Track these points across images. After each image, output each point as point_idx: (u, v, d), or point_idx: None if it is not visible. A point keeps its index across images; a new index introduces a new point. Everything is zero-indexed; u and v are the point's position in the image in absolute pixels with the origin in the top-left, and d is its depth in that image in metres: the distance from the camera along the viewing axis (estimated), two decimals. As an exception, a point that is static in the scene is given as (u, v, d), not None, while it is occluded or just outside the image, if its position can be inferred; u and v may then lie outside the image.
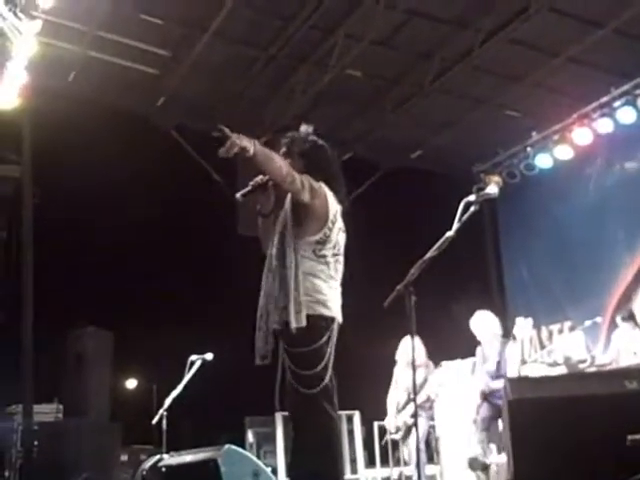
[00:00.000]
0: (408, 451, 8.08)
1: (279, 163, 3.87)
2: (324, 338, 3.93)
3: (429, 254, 4.42)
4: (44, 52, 8.20)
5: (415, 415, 7.08)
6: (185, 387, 7.27)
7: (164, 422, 7.12)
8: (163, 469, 5.80)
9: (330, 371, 3.95)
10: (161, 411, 7.10)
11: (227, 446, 5.14)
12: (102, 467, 7.22)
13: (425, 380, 8.05)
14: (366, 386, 9.46)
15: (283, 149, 4.22)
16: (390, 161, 12.05)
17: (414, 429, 7.87)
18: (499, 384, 7.46)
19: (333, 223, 4.07)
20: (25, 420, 8.04)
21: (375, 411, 9.53)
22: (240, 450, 5.40)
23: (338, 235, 4.13)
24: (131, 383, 19.30)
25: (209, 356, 7.28)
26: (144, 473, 6.02)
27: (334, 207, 4.10)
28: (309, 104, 10.44)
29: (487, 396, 7.60)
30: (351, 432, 9.70)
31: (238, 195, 4.10)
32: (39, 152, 9.03)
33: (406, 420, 8.08)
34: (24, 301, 8.34)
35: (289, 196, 4.04)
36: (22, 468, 8.00)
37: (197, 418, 8.49)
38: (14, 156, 9.83)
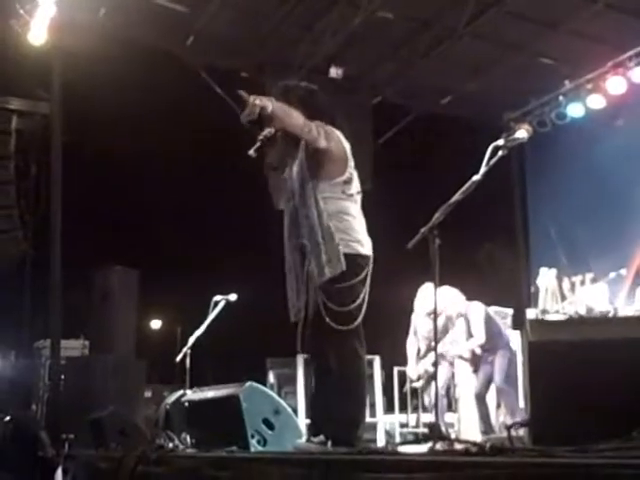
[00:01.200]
0: (429, 399, 8.12)
1: (295, 115, 3.93)
2: (361, 275, 4.00)
3: (455, 197, 4.39)
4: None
5: (436, 364, 7.12)
6: (208, 327, 7.36)
7: (187, 360, 7.24)
8: (186, 404, 5.90)
9: (364, 310, 3.98)
10: (185, 349, 7.21)
11: (249, 383, 5.21)
12: (127, 402, 7.36)
13: (446, 328, 8.04)
14: (386, 330, 9.49)
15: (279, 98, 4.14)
16: (420, 106, 11.92)
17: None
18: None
19: (351, 161, 4.13)
20: (52, 355, 8.19)
21: (395, 356, 9.58)
22: (261, 387, 5.47)
23: (354, 172, 4.16)
24: (156, 323, 19.57)
25: (233, 297, 7.34)
26: (167, 407, 6.13)
27: (348, 146, 4.16)
28: (339, 46, 10.31)
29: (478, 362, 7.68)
30: (370, 377, 9.74)
31: (251, 151, 4.08)
32: (68, 88, 9.02)
33: (427, 368, 8.09)
34: (52, 237, 8.43)
35: (302, 145, 4.08)
36: (49, 402, 8.19)
37: (219, 358, 8.62)
38: (43, 92, 9.84)
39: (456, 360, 7.99)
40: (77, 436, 7.32)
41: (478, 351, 7.72)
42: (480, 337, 7.70)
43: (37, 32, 9.01)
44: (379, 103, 11.95)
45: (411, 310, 8.50)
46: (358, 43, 10.28)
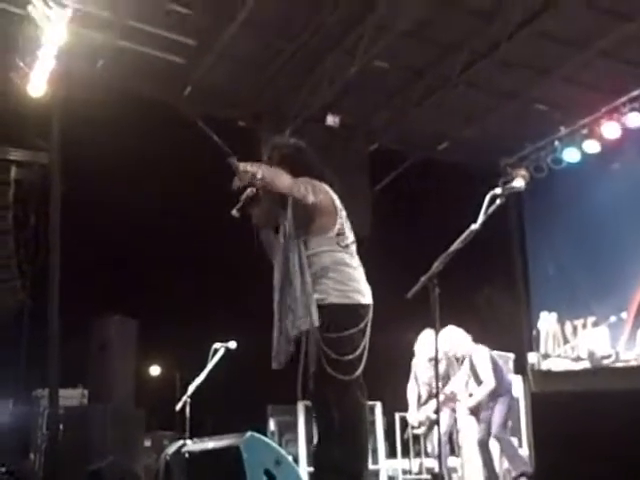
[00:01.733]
0: (432, 445, 8.04)
1: (284, 177, 4.01)
2: (361, 325, 4.06)
3: (454, 246, 4.42)
4: (73, 40, 8.28)
5: (437, 411, 7.07)
6: (208, 375, 7.33)
7: (187, 409, 7.18)
8: (186, 455, 5.85)
9: (364, 360, 3.99)
10: (184, 398, 7.16)
11: (249, 433, 5.18)
12: (126, 452, 7.29)
13: (447, 374, 8.00)
14: (388, 377, 9.46)
15: (268, 157, 4.37)
16: (416, 153, 12.03)
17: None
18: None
19: (342, 212, 4.22)
20: (51, 404, 8.14)
21: (396, 402, 9.53)
22: (262, 437, 5.43)
23: (347, 223, 4.25)
24: (155, 370, 19.47)
25: (232, 344, 7.32)
26: (167, 458, 6.07)
27: (337, 198, 4.24)
28: (336, 94, 10.43)
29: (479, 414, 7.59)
30: (372, 423, 9.68)
31: (234, 211, 4.14)
32: (67, 139, 9.11)
33: (429, 414, 8.03)
34: (51, 287, 8.44)
35: (290, 203, 4.17)
36: (47, 451, 8.11)
37: (220, 406, 8.55)
38: (43, 143, 9.93)
39: (458, 404, 7.92)
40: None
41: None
42: (490, 382, 7.55)
43: (36, 84, 9.12)
44: (376, 150, 12.06)
45: (411, 356, 8.50)
46: (354, 92, 10.41)
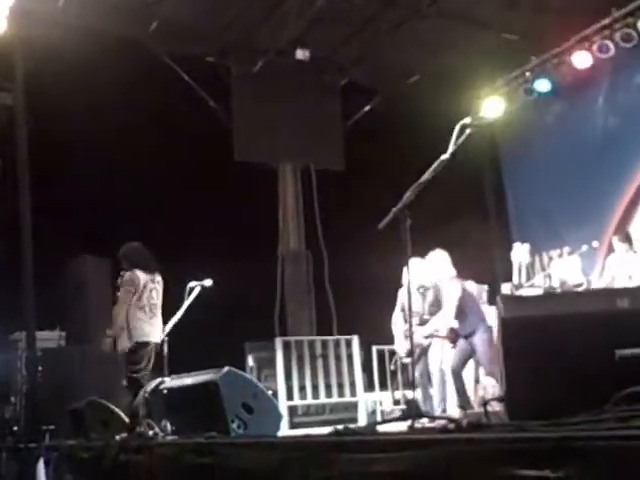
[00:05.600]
0: (420, 373, 7.83)
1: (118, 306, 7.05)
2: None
3: (424, 177, 4.44)
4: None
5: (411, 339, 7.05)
6: (185, 314, 7.36)
7: (165, 347, 7.24)
8: (164, 391, 5.92)
9: None
10: (162, 336, 7.20)
11: (227, 368, 5.24)
12: (105, 391, 7.34)
13: (437, 300, 7.76)
14: (364, 310, 9.56)
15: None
16: (387, 87, 11.94)
17: (428, 352, 7.79)
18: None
19: (144, 288, 7.00)
20: (29, 347, 8.15)
21: (373, 335, 9.65)
22: (240, 372, 5.50)
23: (152, 292, 7.05)
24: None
25: (208, 282, 7.35)
26: (146, 396, 6.14)
27: (144, 279, 7.02)
28: (304, 28, 10.28)
29: (455, 338, 7.49)
30: (350, 356, 9.85)
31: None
32: (31, 79, 8.90)
33: (421, 342, 7.77)
34: (23, 229, 8.35)
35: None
36: (27, 393, 8.15)
37: (197, 344, 8.59)
38: (6, 83, 9.69)
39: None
40: (57, 427, 7.31)
41: (455, 325, 7.50)
42: (450, 316, 7.46)
43: (-3, 21, 8.88)
44: (347, 84, 11.96)
45: (389, 287, 8.33)
46: (323, 24, 10.26)
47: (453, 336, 7.49)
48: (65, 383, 7.90)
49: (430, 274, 7.67)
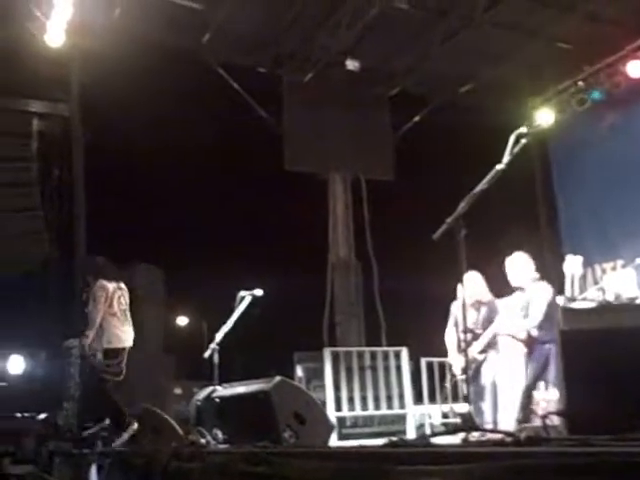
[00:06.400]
0: (474, 389, 7.63)
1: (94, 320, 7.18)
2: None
3: (479, 187, 4.39)
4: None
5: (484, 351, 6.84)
6: (235, 323, 7.37)
7: (215, 357, 7.25)
8: (216, 400, 5.94)
9: None
10: (212, 345, 7.21)
11: (278, 377, 5.23)
12: (158, 399, 7.40)
13: (490, 318, 7.64)
14: (413, 322, 9.50)
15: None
16: (439, 95, 11.87)
17: (482, 366, 7.60)
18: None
19: (113, 295, 7.13)
20: (82, 354, 8.25)
21: (422, 347, 9.59)
22: (291, 381, 5.49)
23: (121, 298, 7.20)
24: (182, 320, 19.65)
25: (258, 292, 7.35)
26: (198, 404, 6.17)
27: (111, 287, 7.19)
28: (356, 38, 10.29)
29: (533, 346, 7.25)
30: (399, 368, 9.77)
31: None
32: (87, 89, 9.07)
33: (475, 356, 7.61)
34: (76, 239, 8.49)
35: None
36: (80, 400, 8.25)
37: (247, 354, 8.65)
38: (63, 94, 9.89)
39: (508, 344, 7.57)
40: (109, 433, 7.38)
41: (534, 333, 7.23)
42: (537, 320, 7.21)
43: (54, 34, 9.06)
44: (397, 94, 11.93)
45: (441, 300, 8.20)
46: (374, 35, 10.25)
47: (530, 341, 7.24)
48: (118, 390, 7.97)
49: (514, 277, 7.48)
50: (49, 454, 7.24)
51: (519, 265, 7.46)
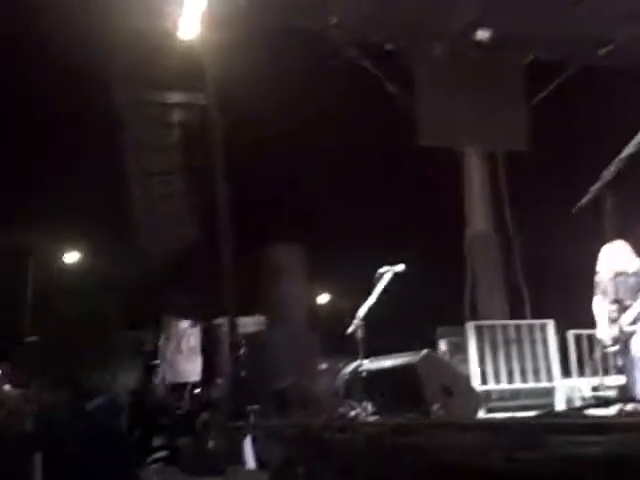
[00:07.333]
0: (625, 362, 7.39)
1: None
2: None
3: (626, 151, 4.26)
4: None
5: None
6: (377, 298, 7.45)
7: (359, 332, 7.35)
8: (364, 374, 6.05)
9: None
10: (356, 321, 7.33)
11: (425, 351, 5.29)
12: (305, 373, 7.61)
13: (639, 287, 7.33)
14: (558, 294, 9.30)
15: None
16: (575, 60, 11.45)
17: (632, 338, 7.35)
18: None
19: None
20: (231, 332, 8.61)
21: (569, 320, 9.36)
22: (437, 355, 5.54)
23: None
24: (323, 296, 19.95)
25: (400, 267, 7.39)
26: (346, 377, 6.31)
27: None
28: (483, 7, 10.08)
29: None
30: (545, 341, 9.59)
31: None
32: (220, 78, 9.35)
33: (625, 329, 7.35)
34: (221, 221, 8.81)
35: None
36: (232, 376, 8.60)
37: (389, 328, 8.72)
38: (199, 84, 10.25)
39: None
40: (261, 407, 7.66)
41: None
42: None
43: (187, 28, 9.44)
44: (531, 62, 11.60)
45: (587, 271, 7.97)
46: (503, 1, 10.01)
47: None
48: (267, 366, 8.25)
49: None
50: (203, 426, 7.63)
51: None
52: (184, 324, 10.96)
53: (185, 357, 10.69)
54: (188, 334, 10.87)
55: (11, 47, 11.04)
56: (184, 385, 9.69)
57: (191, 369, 10.32)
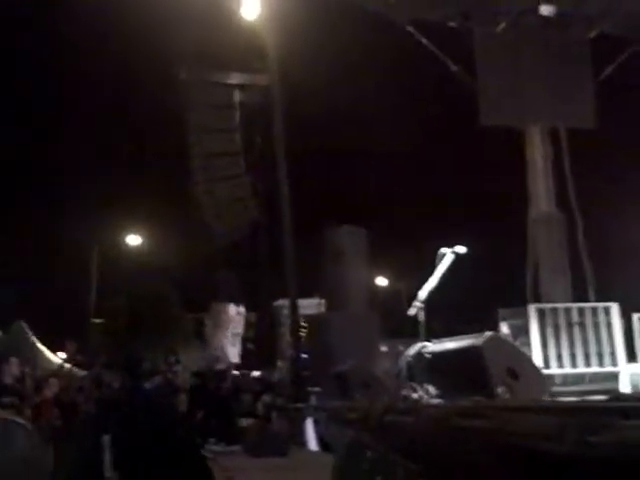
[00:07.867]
0: None
1: None
2: None
3: None
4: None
5: None
6: (438, 280, 7.37)
7: (420, 314, 7.29)
8: (427, 355, 6.00)
9: None
10: (417, 303, 7.26)
11: (490, 333, 5.22)
12: (365, 355, 7.58)
13: None
14: (623, 276, 9.08)
15: None
16: (640, 36, 11.13)
17: None
18: None
19: None
20: (292, 314, 8.62)
21: (633, 302, 9.14)
22: (502, 337, 5.46)
23: None
24: (382, 279, 19.84)
25: (461, 249, 7.30)
26: (409, 359, 6.27)
27: None
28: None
29: None
30: (609, 324, 9.37)
31: None
32: (282, 58, 9.32)
33: None
34: (281, 203, 8.80)
35: None
36: (292, 358, 8.63)
37: (450, 311, 8.63)
38: (261, 64, 10.25)
39: None
40: (322, 389, 7.66)
41: None
42: None
43: (249, 7, 9.43)
44: (597, 37, 11.30)
45: None
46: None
47: None
48: (327, 348, 8.23)
49: None
50: (266, 408, 7.68)
51: None
52: (232, 311, 11.20)
53: (230, 342, 11.03)
54: (236, 321, 11.17)
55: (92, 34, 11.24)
56: (225, 369, 9.85)
57: (234, 353, 10.71)
